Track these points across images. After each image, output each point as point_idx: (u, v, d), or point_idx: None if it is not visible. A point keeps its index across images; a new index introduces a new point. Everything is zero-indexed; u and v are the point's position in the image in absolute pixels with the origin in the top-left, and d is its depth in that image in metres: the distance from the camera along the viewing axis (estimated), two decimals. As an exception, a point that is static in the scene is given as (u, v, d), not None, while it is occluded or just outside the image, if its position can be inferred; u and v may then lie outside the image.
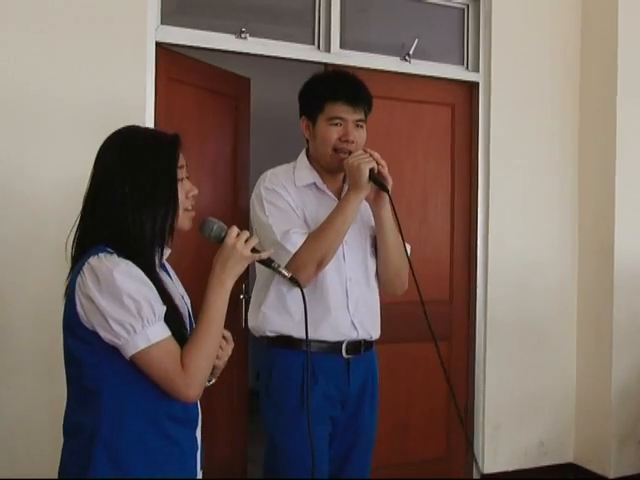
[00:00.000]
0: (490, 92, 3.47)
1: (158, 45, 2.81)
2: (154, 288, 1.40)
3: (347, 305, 2.01)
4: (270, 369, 2.00)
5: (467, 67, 3.54)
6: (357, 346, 2.02)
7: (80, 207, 1.48)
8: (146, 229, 1.41)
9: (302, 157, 2.10)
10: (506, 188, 3.52)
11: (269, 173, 2.05)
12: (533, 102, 3.57)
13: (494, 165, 3.48)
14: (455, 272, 3.50)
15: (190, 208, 1.51)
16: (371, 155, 1.93)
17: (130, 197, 1.40)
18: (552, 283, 3.61)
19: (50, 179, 2.60)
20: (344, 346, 1.99)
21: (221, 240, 1.52)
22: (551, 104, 3.61)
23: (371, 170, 1.92)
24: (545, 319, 3.60)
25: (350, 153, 1.97)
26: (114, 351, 1.37)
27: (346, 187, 2.04)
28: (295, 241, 1.90)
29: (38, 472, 2.51)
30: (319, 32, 3.20)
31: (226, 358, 1.55)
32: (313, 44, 3.20)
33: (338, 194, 2.06)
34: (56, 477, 1.47)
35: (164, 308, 1.40)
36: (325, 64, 3.20)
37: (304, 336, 1.87)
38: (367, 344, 2.05)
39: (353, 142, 1.99)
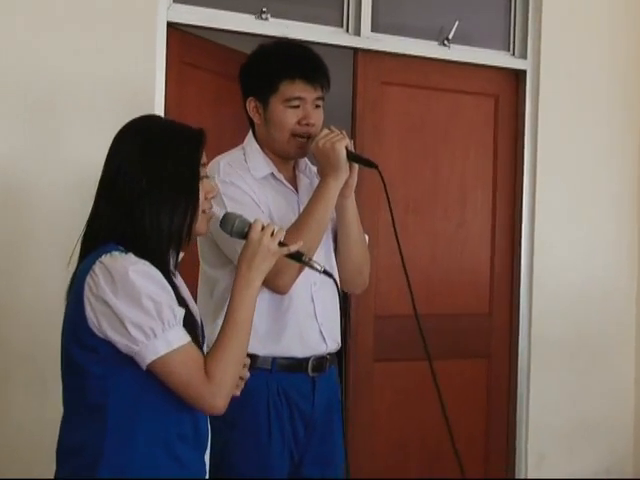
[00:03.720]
0: (539, 81, 3.41)
1: (170, 25, 2.77)
2: (172, 291, 1.40)
3: (314, 313, 1.95)
4: None
5: (513, 53, 3.47)
6: (322, 362, 1.98)
7: (82, 203, 1.50)
8: (163, 229, 1.41)
9: (251, 142, 2.00)
10: (555, 188, 3.45)
11: (222, 163, 1.93)
12: (588, 92, 3.49)
13: (542, 163, 3.42)
14: (496, 282, 3.45)
15: (208, 210, 1.52)
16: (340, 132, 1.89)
17: (148, 194, 1.40)
18: (607, 296, 3.54)
19: (51, 172, 2.56)
20: (310, 363, 1.95)
21: (244, 235, 1.54)
22: (608, 95, 3.54)
23: (347, 148, 1.87)
24: (599, 336, 3.52)
25: (309, 137, 1.92)
26: (123, 361, 1.36)
27: (302, 175, 2.03)
28: None
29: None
30: (348, 13, 3.15)
31: (242, 385, 1.54)
32: (341, 27, 3.16)
33: (293, 184, 2.01)
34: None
35: (183, 311, 1.40)
36: (354, 49, 3.16)
37: (270, 353, 1.90)
38: (331, 359, 2.01)
39: (314, 125, 1.92)
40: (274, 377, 1.91)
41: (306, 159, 2.06)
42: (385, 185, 1.91)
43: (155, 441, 1.39)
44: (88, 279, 1.36)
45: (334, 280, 1.65)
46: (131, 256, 1.37)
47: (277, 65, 1.93)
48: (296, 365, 1.94)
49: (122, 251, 1.38)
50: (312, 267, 1.62)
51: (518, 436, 3.45)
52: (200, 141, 1.47)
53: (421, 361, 3.09)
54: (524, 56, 3.46)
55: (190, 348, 1.39)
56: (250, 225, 1.55)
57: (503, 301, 3.47)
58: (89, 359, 1.37)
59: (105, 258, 1.36)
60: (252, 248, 1.50)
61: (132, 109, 1.59)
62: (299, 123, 1.92)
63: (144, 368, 1.36)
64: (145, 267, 1.37)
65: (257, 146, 1.99)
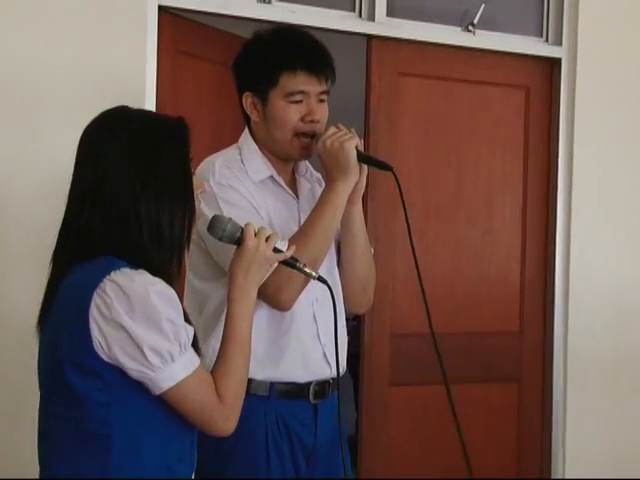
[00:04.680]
0: (575, 71, 3.37)
1: (161, 9, 2.74)
2: (182, 309, 1.40)
3: (317, 333, 1.92)
4: None
5: (547, 40, 3.44)
6: (325, 387, 1.95)
7: (63, 208, 1.43)
8: (164, 235, 1.39)
9: (248, 142, 1.95)
10: (593, 191, 3.40)
11: (217, 164, 1.88)
12: (629, 83, 3.44)
13: (578, 162, 3.38)
14: (527, 296, 3.41)
15: (197, 209, 1.49)
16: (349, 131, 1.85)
17: (144, 196, 1.37)
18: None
19: (28, 172, 2.53)
20: (312, 388, 1.91)
21: (237, 241, 1.54)
22: (653, 85, 3.42)
23: (357, 148, 1.84)
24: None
25: (314, 136, 1.87)
26: (130, 388, 1.36)
27: (302, 180, 2.00)
28: None
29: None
30: (362, -5, 3.07)
31: None
32: (353, 11, 3.13)
33: (292, 188, 1.97)
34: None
35: (193, 330, 1.41)
36: (368, 36, 3.12)
37: (268, 377, 1.88)
38: (333, 383, 1.96)
39: (319, 121, 1.88)
40: (272, 405, 1.88)
41: (307, 162, 2.02)
42: (400, 189, 1.85)
43: (159, 468, 1.40)
44: (96, 299, 1.32)
45: (329, 287, 1.61)
46: (146, 274, 1.35)
47: (276, 55, 1.88)
48: (296, 391, 1.91)
49: (131, 267, 1.35)
50: (306, 273, 1.61)
51: (554, 467, 3.41)
52: (186, 131, 1.45)
53: (439, 385, 3.06)
54: (559, 43, 3.42)
55: (202, 370, 1.40)
56: (242, 230, 1.53)
57: (535, 318, 3.43)
58: (90, 385, 1.35)
59: (116, 276, 1.33)
60: (249, 256, 1.50)
61: (120, 104, 1.51)
62: (302, 120, 1.88)
63: (156, 394, 1.36)
64: (164, 287, 1.36)
65: (255, 146, 1.94)
